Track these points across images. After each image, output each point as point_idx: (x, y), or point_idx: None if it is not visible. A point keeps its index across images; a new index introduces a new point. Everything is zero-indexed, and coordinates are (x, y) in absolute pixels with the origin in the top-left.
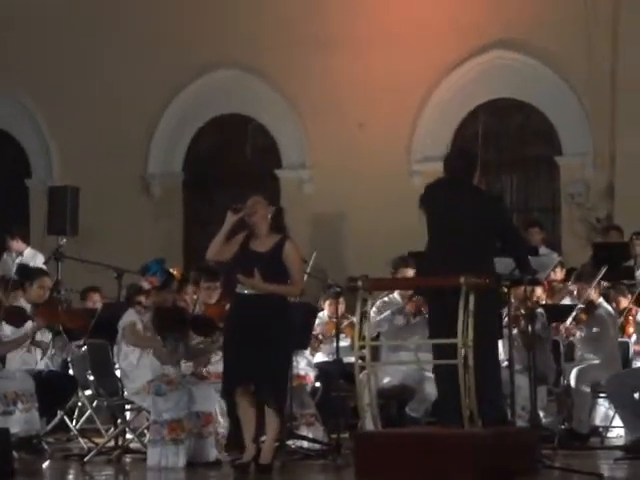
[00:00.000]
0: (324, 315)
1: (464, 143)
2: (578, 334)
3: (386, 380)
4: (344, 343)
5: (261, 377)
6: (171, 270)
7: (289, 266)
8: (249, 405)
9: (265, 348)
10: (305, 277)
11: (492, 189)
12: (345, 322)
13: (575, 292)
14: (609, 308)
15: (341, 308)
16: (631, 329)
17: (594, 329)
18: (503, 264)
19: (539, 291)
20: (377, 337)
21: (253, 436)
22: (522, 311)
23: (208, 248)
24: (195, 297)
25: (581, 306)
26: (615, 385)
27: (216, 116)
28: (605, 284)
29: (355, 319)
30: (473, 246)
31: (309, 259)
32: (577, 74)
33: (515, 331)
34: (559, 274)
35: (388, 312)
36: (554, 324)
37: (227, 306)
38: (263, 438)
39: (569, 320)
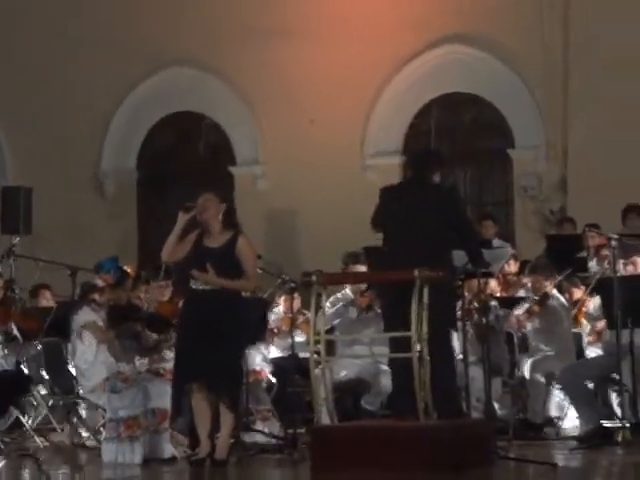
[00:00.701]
0: (280, 311)
1: (417, 138)
2: (529, 326)
3: (342, 374)
4: (299, 338)
5: (214, 373)
6: (125, 268)
7: (242, 261)
8: (203, 401)
9: (218, 343)
10: (259, 272)
11: (445, 182)
12: (301, 318)
13: (530, 285)
14: (562, 299)
15: (297, 304)
16: (584, 320)
17: (547, 320)
18: (458, 257)
19: (493, 284)
20: (331, 331)
21: (208, 432)
22: (475, 304)
23: (162, 250)
24: (147, 295)
25: (534, 298)
26: (569, 376)
27: (169, 114)
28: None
29: (310, 314)
30: (434, 242)
31: (264, 255)
32: (530, 68)
33: (469, 323)
34: (513, 267)
35: (340, 304)
36: (505, 311)
37: (179, 304)
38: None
39: (521, 310)
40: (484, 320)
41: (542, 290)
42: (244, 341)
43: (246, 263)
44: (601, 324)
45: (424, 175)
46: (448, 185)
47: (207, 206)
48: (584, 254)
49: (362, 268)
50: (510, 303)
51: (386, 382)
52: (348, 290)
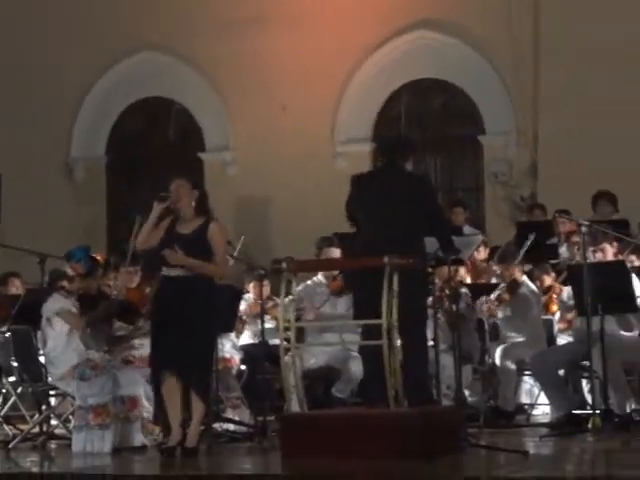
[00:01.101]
0: (249, 297)
1: (387, 124)
2: (500, 313)
3: (312, 361)
4: (269, 325)
5: (184, 360)
6: (95, 256)
7: (213, 246)
8: (174, 389)
9: (189, 331)
10: (231, 260)
11: (415, 169)
12: (270, 303)
13: (498, 272)
14: (532, 286)
15: (266, 290)
16: (555, 307)
17: (518, 308)
18: (429, 243)
19: (462, 271)
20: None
21: (179, 420)
22: (446, 291)
23: (137, 238)
24: (116, 282)
25: (504, 285)
26: (540, 363)
27: (139, 99)
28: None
29: (280, 301)
30: (406, 229)
31: (236, 242)
32: (499, 53)
33: (440, 311)
34: (483, 253)
35: (308, 282)
36: (474, 300)
37: (147, 290)
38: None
39: (492, 296)
40: (455, 307)
41: (511, 277)
42: (216, 329)
43: (216, 249)
44: (572, 313)
45: (395, 162)
46: (419, 172)
47: (180, 194)
48: (554, 240)
49: (336, 252)
50: (481, 290)
51: (356, 369)
52: (320, 276)
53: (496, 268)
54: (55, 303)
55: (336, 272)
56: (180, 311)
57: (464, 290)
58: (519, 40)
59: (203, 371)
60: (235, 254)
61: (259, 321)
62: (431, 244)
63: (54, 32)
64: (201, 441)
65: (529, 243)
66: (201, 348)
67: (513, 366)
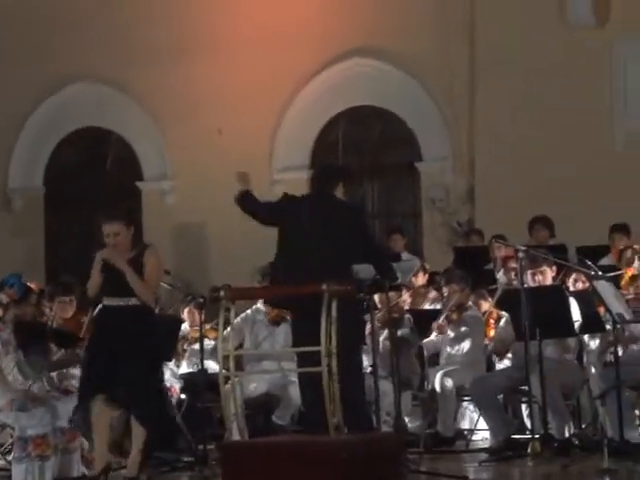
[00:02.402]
0: (185, 325)
1: (325, 151)
2: (449, 332)
3: (251, 387)
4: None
5: (124, 386)
6: (29, 284)
7: (146, 268)
8: (105, 415)
9: (130, 357)
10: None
11: (354, 196)
12: (207, 326)
13: (445, 294)
14: (477, 312)
15: (201, 317)
16: (492, 332)
17: (461, 331)
18: (365, 271)
19: (406, 296)
20: (240, 346)
21: (105, 448)
22: (384, 318)
23: (87, 289)
24: (51, 312)
25: (452, 306)
26: (479, 388)
27: (76, 129)
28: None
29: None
30: (335, 257)
31: (172, 270)
32: (435, 80)
33: (382, 336)
34: (421, 279)
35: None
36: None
37: (83, 319)
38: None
39: (441, 319)
40: (395, 334)
41: (457, 300)
42: (157, 355)
43: (148, 270)
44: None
45: (328, 190)
46: (356, 203)
47: (119, 242)
48: (491, 266)
49: None
50: (422, 316)
51: (295, 394)
52: (259, 304)
53: (445, 289)
54: None
55: None
56: (121, 339)
57: (407, 316)
58: (454, 67)
59: (144, 397)
60: (177, 285)
61: (198, 348)
62: (367, 270)
63: None
64: (142, 471)
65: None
66: (142, 374)
67: (453, 391)
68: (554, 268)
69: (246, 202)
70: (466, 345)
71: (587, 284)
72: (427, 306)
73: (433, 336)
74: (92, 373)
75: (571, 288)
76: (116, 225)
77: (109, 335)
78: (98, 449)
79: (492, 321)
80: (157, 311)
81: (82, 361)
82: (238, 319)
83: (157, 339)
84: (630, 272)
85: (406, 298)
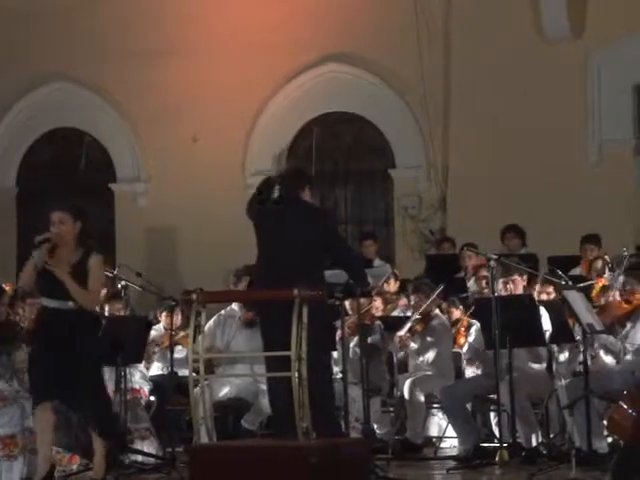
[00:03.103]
0: (160, 327)
1: (297, 157)
2: (412, 345)
3: (222, 392)
4: (179, 355)
5: (77, 393)
6: (2, 285)
7: (90, 276)
8: (48, 420)
9: (73, 361)
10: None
11: (326, 202)
12: (181, 333)
13: (412, 303)
14: (444, 319)
15: (177, 320)
16: (462, 340)
17: (429, 340)
18: (337, 276)
19: (377, 303)
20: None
21: (48, 454)
22: (354, 324)
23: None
24: (23, 313)
25: (417, 317)
26: (448, 396)
27: (50, 130)
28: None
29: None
30: (304, 261)
31: (144, 273)
32: (410, 87)
33: (353, 343)
34: (393, 285)
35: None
36: (389, 333)
37: None
38: None
39: (404, 330)
40: (365, 340)
41: (424, 309)
42: (100, 360)
43: (92, 278)
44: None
45: (295, 193)
46: (325, 207)
47: (62, 233)
48: (462, 274)
49: None
50: (393, 323)
51: (266, 401)
52: (234, 305)
53: (404, 301)
54: None
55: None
56: (62, 343)
57: (378, 322)
58: (429, 74)
59: (96, 405)
60: (148, 287)
61: (169, 351)
62: (339, 276)
63: None
64: (108, 472)
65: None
66: (89, 380)
67: (422, 399)
68: (525, 277)
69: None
70: (431, 355)
71: (552, 295)
72: (397, 313)
73: (394, 350)
74: (42, 376)
75: (544, 297)
76: (62, 214)
77: (52, 337)
78: (41, 452)
79: (462, 329)
80: (127, 312)
81: (30, 361)
82: (211, 322)
83: (98, 341)
84: (601, 282)
85: (378, 305)
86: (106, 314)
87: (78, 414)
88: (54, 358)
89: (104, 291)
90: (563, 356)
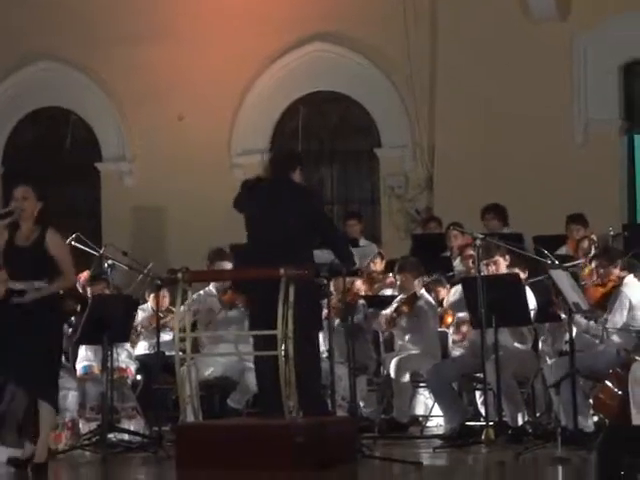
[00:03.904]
0: (148, 307)
1: (284, 137)
2: (399, 325)
3: (208, 371)
4: (167, 336)
5: (32, 374)
6: None
7: (55, 257)
8: None
9: (31, 341)
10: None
11: (311, 181)
12: (169, 316)
13: (398, 283)
14: (430, 299)
15: (165, 301)
16: (450, 319)
17: (415, 320)
18: (323, 256)
19: (359, 282)
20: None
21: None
22: (341, 302)
23: None
24: None
25: (403, 297)
26: (434, 375)
27: (36, 109)
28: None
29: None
30: (294, 241)
31: (130, 252)
32: (396, 67)
33: (337, 322)
34: (379, 265)
35: (200, 292)
36: (373, 311)
37: None
38: None
39: (389, 310)
40: (350, 319)
41: (410, 289)
42: (60, 336)
43: (60, 259)
44: (465, 327)
45: (286, 174)
46: (312, 187)
47: (24, 207)
48: (447, 254)
49: (227, 265)
50: (378, 302)
51: (252, 380)
52: (212, 287)
53: (391, 280)
54: None
55: (227, 284)
56: (22, 321)
57: (361, 302)
58: (416, 53)
59: (51, 381)
60: (134, 266)
61: (156, 331)
62: (325, 255)
63: None
64: (49, 457)
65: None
66: (46, 357)
67: (408, 378)
68: (507, 257)
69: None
70: (419, 334)
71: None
72: (385, 292)
73: (380, 329)
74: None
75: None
76: (26, 190)
77: (11, 317)
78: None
79: (450, 311)
80: (109, 291)
81: None
82: (190, 300)
83: (61, 322)
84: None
85: (360, 285)
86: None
87: (29, 391)
88: (12, 338)
89: (86, 273)
90: (542, 338)
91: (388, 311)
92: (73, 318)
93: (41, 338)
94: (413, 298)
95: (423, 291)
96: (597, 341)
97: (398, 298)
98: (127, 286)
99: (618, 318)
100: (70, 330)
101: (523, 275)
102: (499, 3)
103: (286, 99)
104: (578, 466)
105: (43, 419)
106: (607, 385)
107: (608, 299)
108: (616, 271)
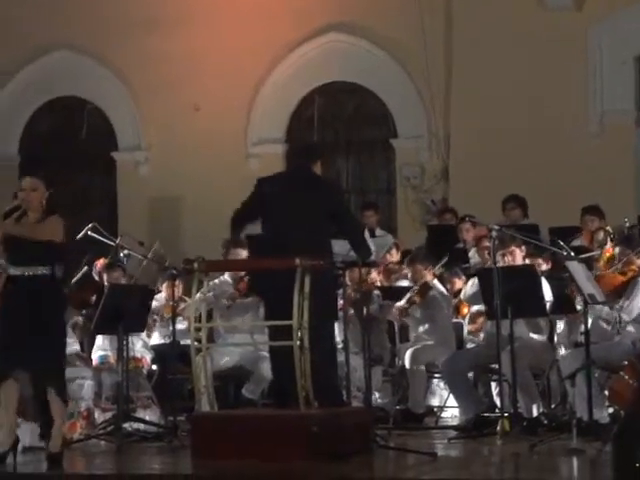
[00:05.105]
0: (162, 297)
1: (300, 127)
2: (413, 316)
3: (224, 361)
4: (181, 326)
5: (38, 362)
6: None
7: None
8: (13, 392)
9: (37, 331)
10: (145, 262)
11: (328, 172)
12: (182, 305)
13: (410, 274)
14: (442, 289)
15: (179, 290)
16: (465, 310)
17: (428, 310)
18: (339, 246)
19: (374, 273)
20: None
21: (13, 424)
22: (357, 293)
23: None
24: None
25: (415, 288)
26: (449, 365)
27: (52, 98)
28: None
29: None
30: (314, 231)
31: (146, 242)
32: (412, 57)
33: (351, 312)
34: (395, 256)
35: (210, 294)
36: (387, 302)
37: None
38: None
39: (403, 301)
40: (366, 310)
41: (421, 280)
42: (64, 328)
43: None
44: (481, 319)
45: (304, 166)
46: (328, 176)
47: (31, 199)
48: (461, 245)
49: (243, 253)
50: (393, 293)
51: (267, 370)
52: (227, 276)
53: (407, 271)
54: None
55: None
56: (26, 311)
57: (376, 292)
58: (431, 44)
59: (59, 370)
60: (149, 255)
61: (171, 321)
62: (341, 246)
63: None
64: (64, 446)
65: (443, 262)
66: (53, 347)
67: (423, 369)
68: (523, 248)
69: (237, 225)
70: (433, 325)
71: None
72: (401, 283)
73: (395, 320)
74: (7, 348)
75: (545, 268)
76: (36, 181)
77: (15, 307)
78: (7, 425)
79: (466, 303)
80: (125, 280)
81: None
82: (205, 288)
83: (64, 309)
84: (608, 253)
85: (375, 276)
86: (105, 283)
87: (43, 384)
88: (22, 328)
89: (102, 260)
90: (559, 327)
91: (401, 302)
92: (85, 310)
93: (44, 324)
94: (425, 288)
95: (436, 281)
96: (610, 328)
97: (412, 289)
98: (139, 273)
99: (634, 307)
100: (84, 320)
101: (546, 266)
102: None
103: (302, 89)
104: (593, 458)
105: (54, 409)
106: (622, 376)
107: (626, 288)
108: (638, 261)
